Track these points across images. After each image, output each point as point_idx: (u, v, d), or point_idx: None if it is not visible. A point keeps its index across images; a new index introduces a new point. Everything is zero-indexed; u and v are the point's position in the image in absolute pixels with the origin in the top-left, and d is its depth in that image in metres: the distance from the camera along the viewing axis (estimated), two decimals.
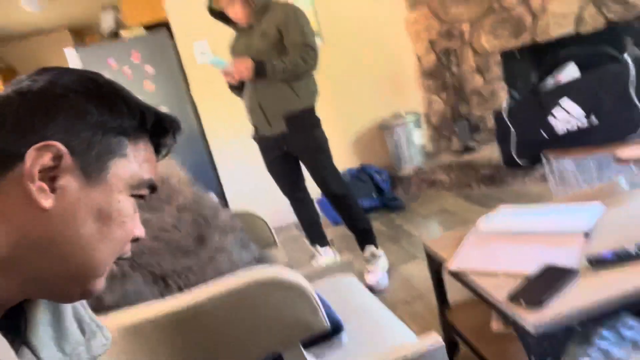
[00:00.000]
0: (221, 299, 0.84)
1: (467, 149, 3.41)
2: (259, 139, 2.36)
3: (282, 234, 3.33)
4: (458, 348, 1.50)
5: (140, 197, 0.53)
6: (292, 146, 2.28)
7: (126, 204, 0.50)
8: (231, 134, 3.38)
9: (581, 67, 1.75)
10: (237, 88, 2.27)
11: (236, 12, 2.16)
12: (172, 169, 1.23)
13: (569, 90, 1.72)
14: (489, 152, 3.28)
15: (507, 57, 3.35)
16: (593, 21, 2.98)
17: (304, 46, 2.11)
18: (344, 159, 3.41)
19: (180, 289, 0.92)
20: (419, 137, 3.53)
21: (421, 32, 3.60)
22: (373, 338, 1.11)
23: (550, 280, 1.06)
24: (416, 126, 3.51)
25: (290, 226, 3.41)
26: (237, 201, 3.45)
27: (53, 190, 0.45)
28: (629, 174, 1.45)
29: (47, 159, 0.44)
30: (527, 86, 3.46)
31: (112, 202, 0.49)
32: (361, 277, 2.32)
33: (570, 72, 1.76)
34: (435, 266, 1.45)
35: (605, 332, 1.10)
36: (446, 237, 1.48)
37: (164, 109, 0.60)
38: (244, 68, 2.09)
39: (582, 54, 1.78)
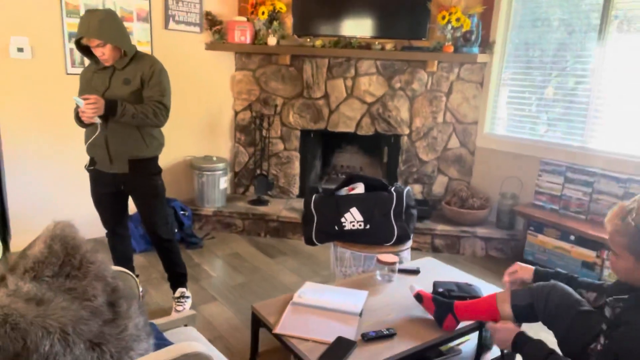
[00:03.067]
0: None
1: (261, 202, 4.04)
2: (95, 172, 2.45)
3: None
4: None
5: None
6: (130, 187, 2.46)
7: None
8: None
9: (366, 188, 2.57)
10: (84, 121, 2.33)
11: (104, 53, 2.26)
12: (76, 233, 1.40)
13: (357, 201, 2.50)
14: (278, 207, 3.98)
15: (304, 134, 4.18)
16: (367, 128, 4.06)
17: (159, 103, 2.35)
18: None
19: (112, 357, 1.18)
20: (224, 182, 3.99)
21: (243, 93, 4.12)
22: None
23: (340, 349, 1.69)
24: (223, 173, 3.96)
25: None
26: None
27: None
28: (382, 271, 2.25)
29: None
30: (314, 158, 4.33)
31: None
32: (168, 312, 2.62)
33: (359, 189, 2.56)
34: (257, 324, 1.95)
35: None
36: (269, 304, 1.99)
37: None
38: (95, 107, 2.18)
39: (368, 180, 2.60)
